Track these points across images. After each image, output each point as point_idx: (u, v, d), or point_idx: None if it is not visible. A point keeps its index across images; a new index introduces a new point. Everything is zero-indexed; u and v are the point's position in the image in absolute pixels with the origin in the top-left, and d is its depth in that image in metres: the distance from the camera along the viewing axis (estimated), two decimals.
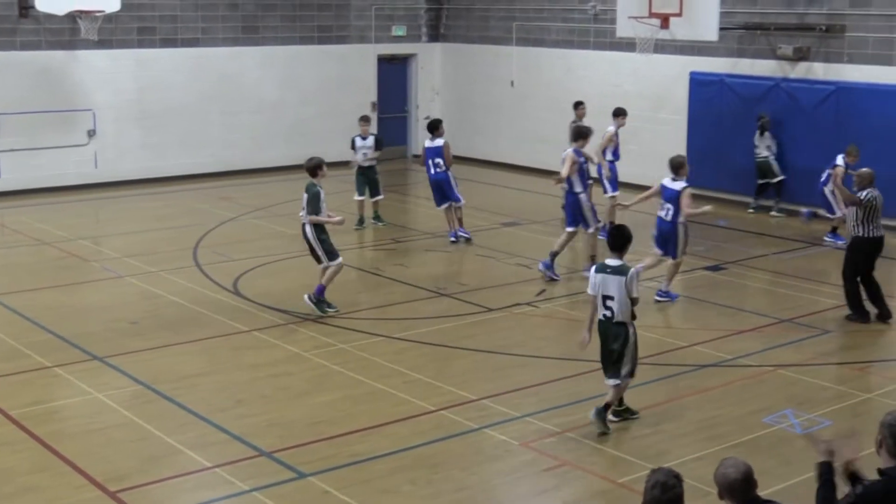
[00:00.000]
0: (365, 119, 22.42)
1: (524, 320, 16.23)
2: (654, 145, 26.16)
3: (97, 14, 24.27)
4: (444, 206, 21.14)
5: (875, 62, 22.17)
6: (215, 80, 28.20)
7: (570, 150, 18.52)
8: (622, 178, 22.12)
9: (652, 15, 21.82)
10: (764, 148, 23.69)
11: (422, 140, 31.68)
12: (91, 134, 26.62)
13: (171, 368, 13.93)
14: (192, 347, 14.80)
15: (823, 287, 18.05)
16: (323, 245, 16.01)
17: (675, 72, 25.58)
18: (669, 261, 17.12)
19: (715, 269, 19.21)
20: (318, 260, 16.12)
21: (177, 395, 12.93)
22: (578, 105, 22.91)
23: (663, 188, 17.02)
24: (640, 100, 26.45)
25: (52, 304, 16.84)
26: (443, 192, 21.06)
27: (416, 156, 31.77)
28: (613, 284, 11.67)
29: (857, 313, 16.09)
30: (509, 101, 29.94)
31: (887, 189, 21.19)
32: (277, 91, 29.20)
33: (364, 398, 12.94)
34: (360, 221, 22.07)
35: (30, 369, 13.89)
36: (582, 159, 18.49)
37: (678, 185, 16.79)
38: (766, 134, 23.62)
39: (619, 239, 11.89)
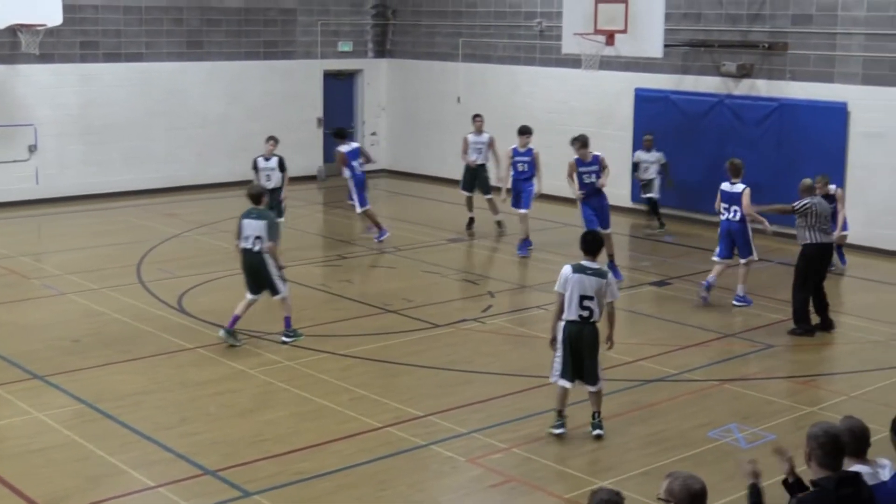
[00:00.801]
0: (272, 140, 21.77)
1: (470, 336, 16.21)
2: None
3: (38, 28, 24.03)
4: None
5: (816, 79, 22.41)
6: (159, 96, 28.01)
7: None
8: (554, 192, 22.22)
9: (597, 32, 21.94)
10: (652, 165, 23.96)
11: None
12: (32, 149, 26.34)
13: (114, 387, 13.78)
14: (135, 365, 14.65)
15: (767, 302, 18.16)
16: (279, 273, 15.62)
17: (621, 88, 25.71)
18: (741, 263, 17.89)
19: (660, 284, 19.30)
20: (274, 291, 15.61)
21: (120, 414, 12.80)
22: (477, 117, 23.95)
23: (723, 192, 17.91)
24: (586, 116, 26.55)
25: None
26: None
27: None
28: (593, 286, 11.84)
29: (802, 326, 16.26)
30: (455, 117, 29.91)
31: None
32: (222, 106, 29.06)
33: (310, 415, 12.87)
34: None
35: None
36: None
37: (739, 186, 17.71)
38: (653, 151, 23.95)
39: (594, 244, 12.25)
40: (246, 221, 15.61)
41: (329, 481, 11.06)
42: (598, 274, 11.97)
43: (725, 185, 17.99)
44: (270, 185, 20.71)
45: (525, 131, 21.96)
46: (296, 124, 30.08)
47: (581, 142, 19.95)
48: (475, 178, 23.38)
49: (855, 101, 21.79)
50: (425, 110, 30.90)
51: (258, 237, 15.44)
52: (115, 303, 17.62)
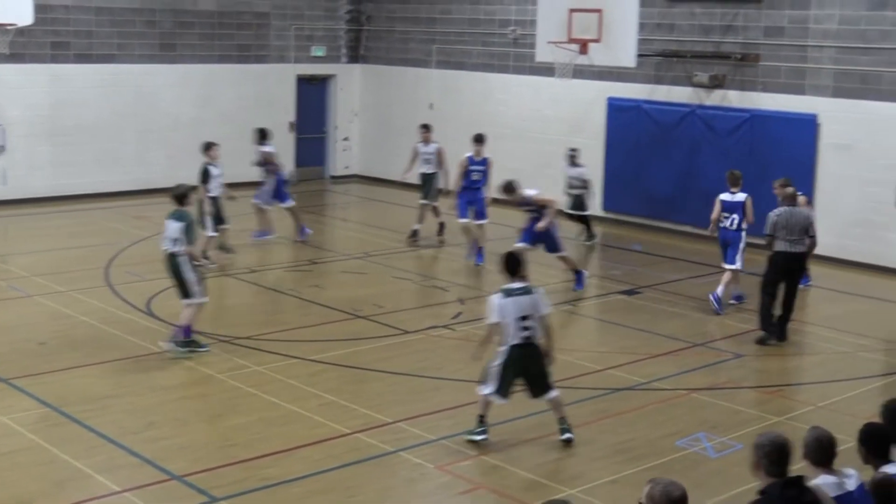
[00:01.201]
0: (211, 146, 21.35)
1: (440, 343, 16.19)
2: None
3: (9, 27, 23.80)
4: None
5: (788, 91, 22.52)
6: (131, 98, 27.88)
7: None
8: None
9: (571, 40, 21.97)
10: (576, 180, 23.36)
11: (340, 161, 31.83)
12: (1, 150, 26.15)
13: (81, 390, 13.67)
14: (102, 369, 14.55)
15: (734, 312, 18.22)
16: (197, 278, 15.30)
17: (593, 97, 25.75)
18: (727, 268, 18.38)
19: (630, 293, 19.32)
20: (187, 294, 15.22)
21: (86, 418, 12.71)
22: (424, 127, 24.13)
23: (724, 202, 18.34)
24: (559, 124, 26.63)
25: None
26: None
27: (333, 176, 31.78)
28: (527, 305, 11.77)
29: (764, 329, 16.47)
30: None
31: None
32: (194, 110, 28.94)
33: (278, 421, 12.81)
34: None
35: None
36: None
37: (740, 196, 18.22)
38: (579, 166, 23.42)
39: (515, 264, 12.08)
40: (167, 222, 15.38)
41: (297, 487, 11.02)
42: (526, 291, 11.89)
43: (725, 196, 18.37)
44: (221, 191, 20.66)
45: (480, 140, 21.81)
46: (268, 128, 29.97)
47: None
48: (429, 186, 23.26)
49: (825, 114, 21.91)
50: (398, 116, 30.87)
51: (177, 239, 15.18)
52: (83, 305, 17.51)
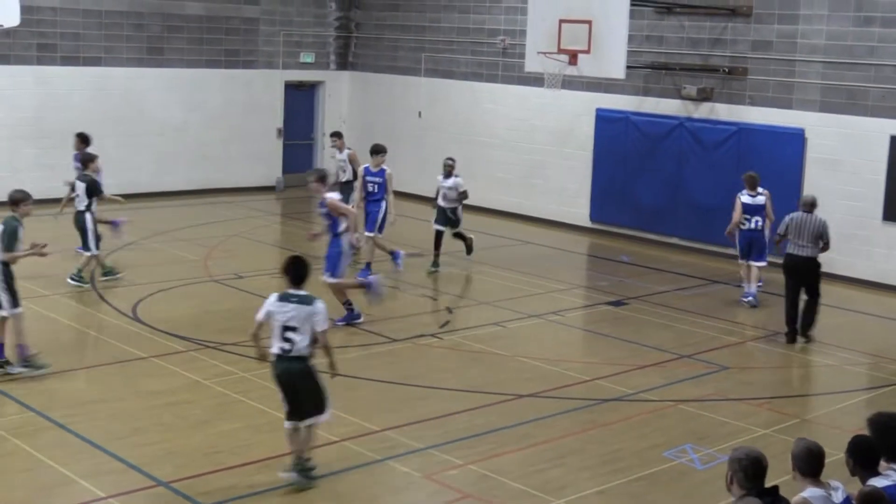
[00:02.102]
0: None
1: (427, 352, 16.18)
2: (558, 180, 26.43)
3: None
4: None
5: (775, 105, 22.58)
6: (117, 101, 27.80)
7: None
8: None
9: (561, 51, 21.98)
10: (451, 192, 21.57)
11: (327, 168, 31.73)
12: None
13: (66, 395, 13.62)
14: (87, 374, 14.51)
15: (722, 324, 18.27)
16: (9, 288, 14.50)
17: (582, 108, 25.78)
18: (754, 266, 19.46)
19: (617, 304, 19.32)
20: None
21: (71, 423, 12.64)
22: (336, 135, 23.76)
23: (745, 205, 19.27)
24: (546, 134, 26.66)
25: None
26: None
27: None
28: (298, 315, 11.00)
29: (788, 329, 17.29)
30: (416, 132, 29.96)
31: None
32: (182, 114, 28.89)
33: (265, 427, 12.76)
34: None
35: None
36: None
37: (761, 198, 19.27)
38: (453, 177, 21.69)
39: (301, 270, 11.31)
40: None
41: (284, 495, 10.97)
42: (302, 301, 11.05)
43: (746, 198, 19.31)
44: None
45: (378, 150, 20.88)
46: (255, 134, 30.02)
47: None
48: (347, 195, 22.05)
49: (812, 128, 21.99)
50: (386, 124, 30.84)
51: None
52: (68, 309, 17.46)
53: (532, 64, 22.91)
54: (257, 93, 30.23)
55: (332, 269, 16.97)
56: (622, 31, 21.51)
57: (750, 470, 7.37)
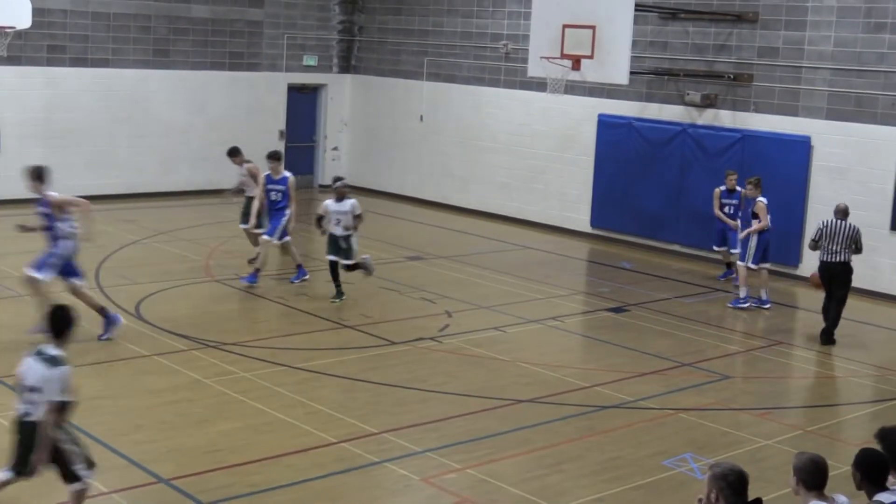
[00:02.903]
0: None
1: (427, 355, 16.17)
2: (559, 185, 26.43)
3: (7, 30, 23.77)
4: None
5: (780, 112, 22.54)
6: (124, 102, 27.88)
7: None
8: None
9: (564, 56, 21.95)
10: (344, 217, 18.91)
11: (329, 170, 31.77)
12: None
13: None
14: (91, 370, 14.48)
15: (724, 332, 18.28)
16: None
17: (584, 113, 25.79)
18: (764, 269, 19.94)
19: (618, 310, 19.31)
20: None
21: (74, 418, 12.64)
22: (235, 153, 22.01)
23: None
24: (548, 139, 26.67)
25: None
26: None
27: (321, 185, 31.76)
28: (38, 376, 9.49)
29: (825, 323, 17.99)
30: (418, 136, 29.98)
31: (788, 235, 21.76)
32: (186, 116, 28.94)
33: (264, 428, 12.78)
34: None
35: None
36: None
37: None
38: (347, 199, 18.99)
39: (61, 323, 9.86)
40: None
41: (282, 495, 10.98)
42: (50, 362, 9.51)
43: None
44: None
45: (275, 157, 20.36)
46: (258, 136, 29.99)
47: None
48: (247, 209, 21.39)
49: (818, 136, 21.92)
50: (388, 127, 30.90)
51: None
52: (73, 306, 17.42)
53: (535, 69, 22.89)
54: (260, 95, 30.25)
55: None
56: (626, 37, 21.46)
57: (737, 484, 7.29)
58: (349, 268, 19.06)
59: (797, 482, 7.55)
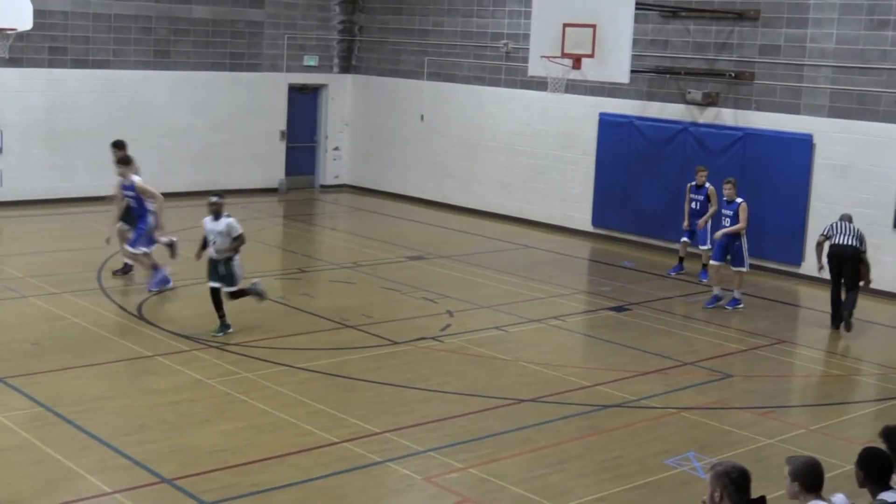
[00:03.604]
0: None
1: (428, 354, 16.20)
2: (561, 184, 26.46)
3: (9, 32, 23.83)
4: None
5: (782, 110, 22.54)
6: (125, 103, 27.92)
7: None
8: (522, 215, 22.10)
9: (564, 55, 21.97)
10: (220, 238, 16.65)
11: (330, 170, 31.84)
12: None
13: (73, 391, 13.69)
14: (94, 370, 14.57)
15: (726, 331, 18.31)
16: None
17: (585, 112, 25.82)
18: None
19: (619, 309, 19.35)
20: None
21: (78, 419, 12.72)
22: (118, 146, 20.97)
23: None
24: (549, 139, 26.70)
25: None
26: None
27: (322, 186, 31.81)
28: None
29: (833, 312, 18.68)
30: (418, 135, 30.02)
31: (790, 234, 21.81)
32: (187, 116, 28.99)
33: (267, 427, 12.82)
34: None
35: None
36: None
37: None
38: (224, 218, 16.74)
39: None
40: None
41: (285, 494, 11.02)
42: None
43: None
44: None
45: (124, 161, 19.62)
46: (259, 136, 30.11)
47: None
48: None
49: (821, 134, 21.94)
50: (388, 127, 30.93)
51: None
52: (75, 307, 17.51)
53: (535, 68, 22.91)
54: (261, 95, 30.29)
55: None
56: (627, 35, 21.47)
57: (740, 482, 7.32)
58: (234, 295, 16.76)
59: (798, 486, 7.53)
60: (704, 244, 21.33)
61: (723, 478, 7.26)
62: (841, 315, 18.32)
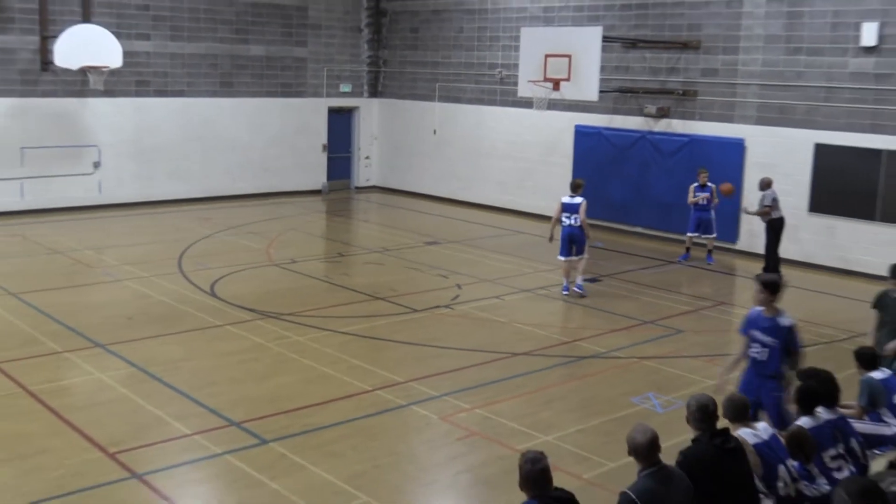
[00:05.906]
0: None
1: (442, 319, 16.18)
2: (546, 182, 26.37)
3: (103, 69, 23.91)
4: None
5: (720, 120, 22.47)
6: (197, 124, 27.89)
7: None
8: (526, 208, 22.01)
9: (546, 79, 21.95)
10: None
11: (363, 175, 31.73)
12: (96, 165, 26.21)
13: (159, 354, 13.74)
14: (176, 338, 14.60)
15: (676, 295, 18.27)
16: None
17: (564, 125, 25.72)
18: (580, 259, 18.09)
19: (593, 280, 19.31)
20: None
21: (164, 376, 12.77)
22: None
23: (565, 204, 18.22)
24: (536, 147, 26.63)
25: (62, 302, 16.55)
26: None
27: (357, 187, 31.77)
28: None
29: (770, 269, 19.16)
30: (432, 146, 29.94)
31: (725, 221, 21.69)
32: (247, 134, 28.95)
33: (315, 380, 12.85)
34: None
35: (45, 353, 13.66)
36: None
37: (578, 199, 18.25)
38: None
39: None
40: None
41: (331, 432, 11.06)
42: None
43: (566, 199, 18.27)
44: None
45: None
46: (305, 149, 30.08)
47: None
48: None
49: (751, 138, 21.87)
50: (408, 140, 30.86)
51: None
52: (160, 288, 17.55)
53: (524, 90, 22.86)
54: (306, 117, 30.22)
55: None
56: (596, 63, 21.44)
57: (698, 413, 7.41)
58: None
59: (724, 416, 7.77)
60: (711, 233, 21.07)
61: (688, 408, 7.52)
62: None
